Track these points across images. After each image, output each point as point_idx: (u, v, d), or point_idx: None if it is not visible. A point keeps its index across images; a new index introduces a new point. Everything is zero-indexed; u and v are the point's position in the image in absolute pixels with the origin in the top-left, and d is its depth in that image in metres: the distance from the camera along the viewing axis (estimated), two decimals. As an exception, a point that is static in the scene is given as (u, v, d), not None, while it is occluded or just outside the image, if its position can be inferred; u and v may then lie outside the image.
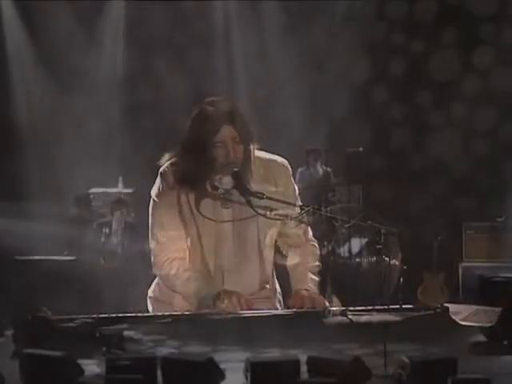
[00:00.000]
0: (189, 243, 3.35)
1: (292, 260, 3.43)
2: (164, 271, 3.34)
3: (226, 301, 3.14)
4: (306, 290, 3.33)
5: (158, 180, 3.37)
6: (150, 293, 3.57)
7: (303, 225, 3.43)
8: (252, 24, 10.62)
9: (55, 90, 10.38)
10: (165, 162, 3.38)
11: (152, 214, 3.39)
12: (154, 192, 3.38)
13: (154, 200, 3.38)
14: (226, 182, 3.26)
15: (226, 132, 3.23)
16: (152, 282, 3.60)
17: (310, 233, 3.51)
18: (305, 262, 3.43)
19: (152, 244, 3.40)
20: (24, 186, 9.96)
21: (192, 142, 3.27)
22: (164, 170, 3.36)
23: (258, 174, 3.33)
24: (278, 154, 3.48)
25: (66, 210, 9.20)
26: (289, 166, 3.46)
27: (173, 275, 3.31)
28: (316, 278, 3.42)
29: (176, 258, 3.33)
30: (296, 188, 3.47)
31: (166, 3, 10.68)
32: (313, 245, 3.52)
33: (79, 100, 10.51)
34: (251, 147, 3.32)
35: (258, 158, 3.36)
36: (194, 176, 3.29)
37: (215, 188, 3.30)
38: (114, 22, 10.86)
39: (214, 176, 3.28)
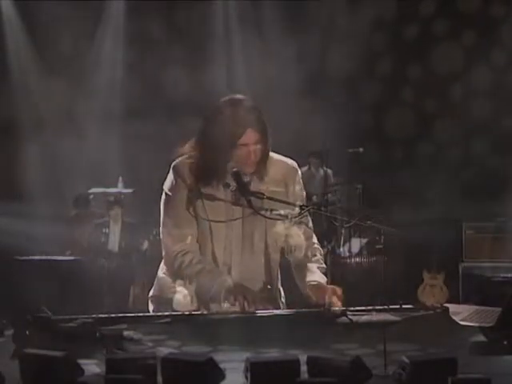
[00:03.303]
0: (199, 237, 3.35)
1: (297, 259, 3.42)
2: (177, 263, 3.34)
3: (239, 298, 3.14)
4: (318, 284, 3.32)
5: (171, 174, 3.38)
6: (151, 291, 3.58)
7: (308, 230, 3.44)
8: (252, 24, 10.62)
9: (55, 90, 10.38)
10: (178, 155, 3.38)
11: (164, 207, 3.40)
12: (166, 186, 3.39)
13: (166, 193, 3.39)
14: None
15: (251, 135, 3.24)
16: (150, 281, 3.60)
17: (315, 238, 3.52)
18: (311, 259, 3.43)
19: (163, 237, 3.41)
20: (24, 186, 9.96)
21: (212, 140, 3.27)
22: (177, 164, 3.37)
23: (269, 174, 3.36)
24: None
25: (66, 210, 9.19)
26: (299, 169, 3.50)
27: (185, 267, 3.31)
28: (325, 278, 3.40)
29: (189, 251, 3.33)
30: (304, 191, 3.49)
31: (166, 3, 10.68)
32: (317, 248, 3.52)
33: (79, 100, 10.52)
34: (269, 149, 3.34)
35: (270, 158, 3.38)
36: (208, 173, 3.30)
37: (227, 185, 3.31)
38: (114, 21, 10.86)
39: (227, 174, 3.30)
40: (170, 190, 3.37)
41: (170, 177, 3.38)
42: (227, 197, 3.33)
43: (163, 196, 3.41)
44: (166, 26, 10.86)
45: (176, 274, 3.38)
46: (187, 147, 3.39)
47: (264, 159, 3.32)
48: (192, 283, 3.29)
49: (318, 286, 3.27)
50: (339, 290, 3.18)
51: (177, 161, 3.38)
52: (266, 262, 3.42)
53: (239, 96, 3.34)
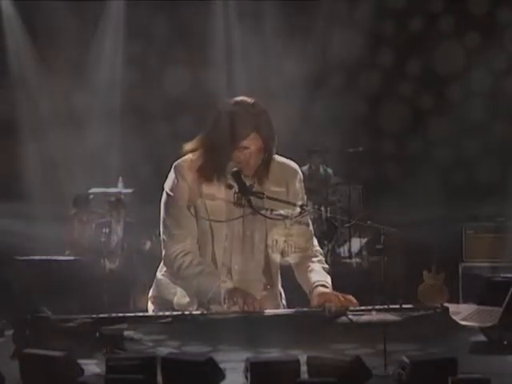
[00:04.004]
0: (200, 237, 3.34)
1: (299, 259, 3.42)
2: (177, 264, 3.32)
3: (238, 300, 3.12)
4: (324, 285, 3.31)
5: (172, 174, 3.36)
6: (150, 292, 3.57)
7: (309, 230, 3.44)
8: (252, 23, 10.63)
9: (55, 90, 10.38)
10: (184, 153, 3.37)
11: (165, 207, 3.38)
12: (167, 186, 3.37)
13: (167, 193, 3.37)
14: None
15: (254, 139, 3.23)
16: (151, 281, 3.59)
17: (315, 241, 3.52)
18: (313, 259, 3.43)
19: (164, 237, 3.39)
20: (24, 186, 9.97)
21: (215, 140, 3.27)
22: (179, 164, 3.36)
23: (271, 176, 3.35)
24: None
25: (66, 209, 9.19)
26: (300, 172, 3.49)
27: (185, 268, 3.29)
28: (329, 278, 3.40)
29: (189, 252, 3.31)
30: (304, 194, 3.49)
31: (166, 3, 10.68)
32: (318, 249, 3.52)
33: (79, 100, 10.52)
34: (272, 155, 3.33)
35: (272, 160, 3.37)
36: (209, 173, 3.30)
37: (229, 187, 3.31)
38: (114, 21, 10.86)
39: (229, 175, 3.29)
40: (170, 190, 3.36)
41: (171, 176, 3.36)
42: (228, 197, 3.32)
43: (164, 196, 3.39)
44: (166, 25, 10.86)
45: (176, 274, 3.38)
46: (190, 145, 3.38)
47: (266, 165, 3.31)
48: (192, 284, 3.29)
49: (324, 294, 3.24)
50: (345, 297, 3.17)
51: (178, 160, 3.37)
52: (266, 263, 3.42)
53: (250, 99, 3.32)
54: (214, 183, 3.32)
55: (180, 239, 3.33)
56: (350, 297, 3.19)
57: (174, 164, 3.37)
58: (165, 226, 3.38)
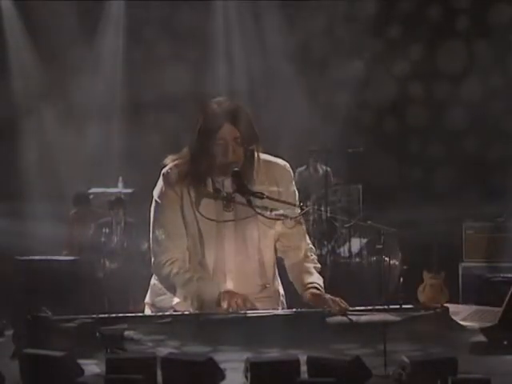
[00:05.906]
0: (190, 244, 3.34)
1: (293, 259, 3.43)
2: (165, 272, 3.33)
3: (231, 301, 3.12)
4: (317, 288, 3.32)
5: (161, 181, 3.37)
6: (147, 299, 3.56)
7: (303, 230, 3.44)
8: (252, 23, 10.63)
9: (55, 90, 10.38)
10: (168, 163, 3.38)
11: (154, 215, 3.38)
12: (156, 193, 3.38)
13: (155, 201, 3.37)
14: (228, 185, 3.27)
15: (228, 130, 3.23)
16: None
17: (307, 238, 3.52)
18: (307, 260, 3.43)
19: (153, 245, 3.39)
20: (24, 186, 9.97)
21: (194, 139, 3.28)
22: (167, 171, 3.36)
23: (260, 175, 3.33)
24: (276, 155, 3.48)
25: (65, 209, 9.19)
26: (290, 170, 3.48)
27: (174, 276, 3.30)
28: (321, 279, 3.40)
29: (177, 259, 3.32)
30: (296, 191, 3.48)
31: (166, 3, 10.69)
32: (311, 248, 3.52)
33: (79, 99, 10.51)
34: (254, 148, 3.32)
35: (261, 160, 3.36)
36: (196, 176, 3.30)
37: (218, 191, 3.30)
38: (114, 21, 10.87)
39: (217, 178, 3.29)
40: (159, 198, 3.36)
41: (160, 184, 3.37)
42: (218, 202, 3.31)
43: (153, 203, 3.39)
44: (167, 23, 10.85)
45: (164, 282, 3.38)
46: (177, 154, 3.38)
47: (250, 160, 3.30)
48: (182, 291, 3.28)
49: (318, 295, 3.26)
50: (339, 300, 3.17)
51: (167, 168, 3.37)
52: (261, 264, 3.41)
53: (222, 98, 3.37)
54: (202, 188, 3.31)
55: (168, 247, 3.33)
56: (339, 300, 3.18)
57: (162, 172, 3.37)
58: (153, 234, 3.38)
